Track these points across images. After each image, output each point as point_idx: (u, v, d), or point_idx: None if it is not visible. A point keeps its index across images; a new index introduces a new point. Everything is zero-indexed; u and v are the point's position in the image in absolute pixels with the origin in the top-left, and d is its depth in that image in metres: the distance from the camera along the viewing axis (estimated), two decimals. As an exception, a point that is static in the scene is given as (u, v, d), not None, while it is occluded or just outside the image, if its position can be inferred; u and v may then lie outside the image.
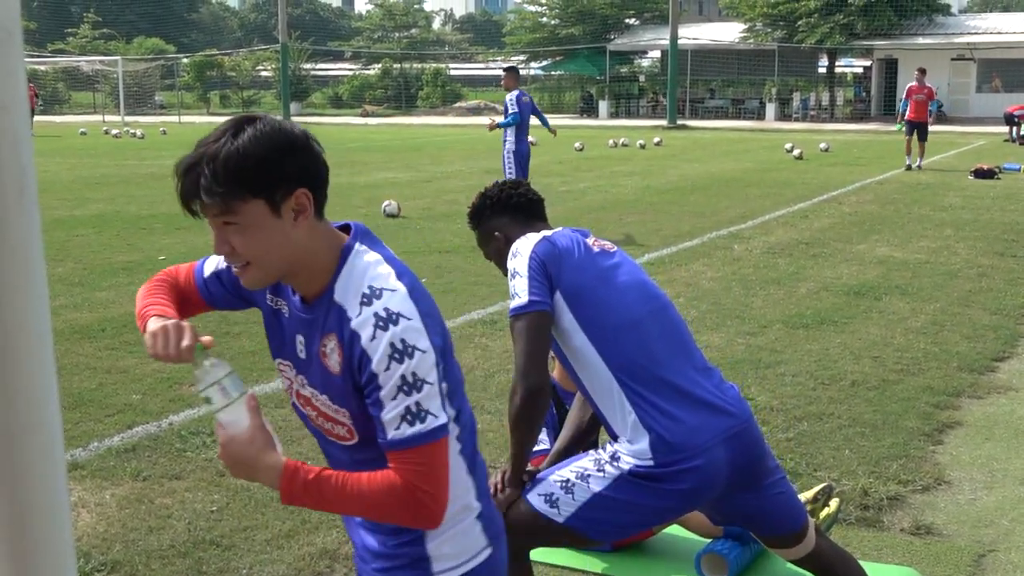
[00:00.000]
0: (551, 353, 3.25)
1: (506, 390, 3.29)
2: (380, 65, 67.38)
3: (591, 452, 3.21)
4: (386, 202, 14.97)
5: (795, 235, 12.73)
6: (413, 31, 75.14)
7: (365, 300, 1.99)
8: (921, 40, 46.49)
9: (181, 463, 5.27)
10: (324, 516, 4.64)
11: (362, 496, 1.99)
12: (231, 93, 66.69)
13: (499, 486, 3.22)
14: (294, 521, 4.58)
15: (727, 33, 51.54)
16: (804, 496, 4.27)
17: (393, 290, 2.00)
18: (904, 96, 22.05)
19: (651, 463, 3.04)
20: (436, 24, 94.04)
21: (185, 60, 64.86)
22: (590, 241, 3.36)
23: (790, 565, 3.58)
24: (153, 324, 2.10)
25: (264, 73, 67.85)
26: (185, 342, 2.06)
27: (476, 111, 55.88)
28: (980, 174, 19.72)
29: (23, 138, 0.61)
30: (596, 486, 3.09)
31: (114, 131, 39.29)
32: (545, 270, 3.19)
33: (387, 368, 1.93)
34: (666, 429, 3.04)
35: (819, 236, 12.63)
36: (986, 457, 5.45)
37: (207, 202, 1.94)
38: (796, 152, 25.03)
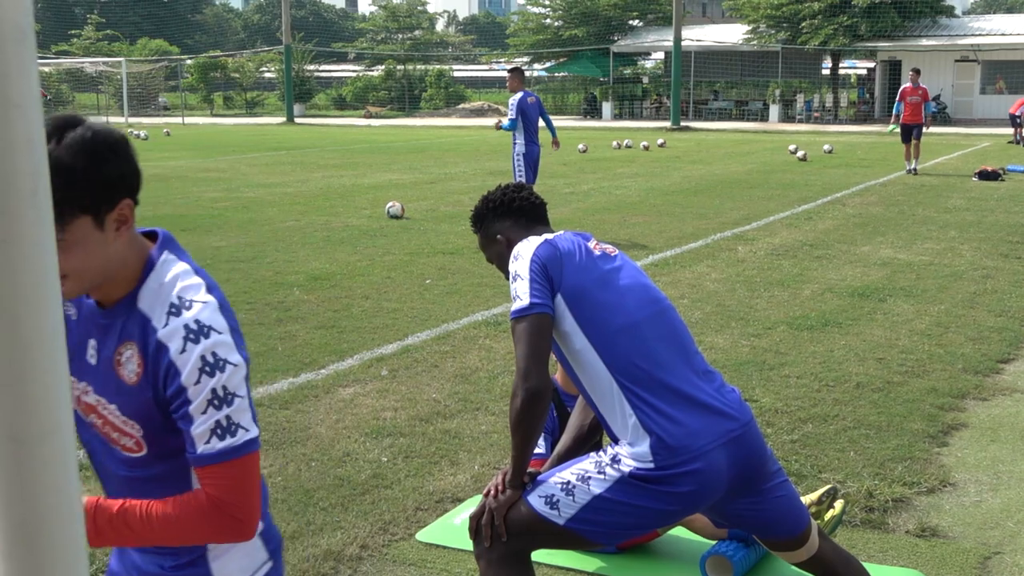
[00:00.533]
0: (552, 356, 3.25)
1: (510, 392, 3.30)
2: (384, 67, 67.41)
3: (592, 454, 3.20)
4: (390, 203, 14.98)
5: (799, 237, 12.72)
6: (417, 33, 75.15)
7: (173, 311, 1.91)
8: (925, 42, 46.46)
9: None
10: (328, 517, 4.64)
11: (170, 520, 1.90)
12: (235, 94, 66.78)
13: (499, 487, 3.22)
14: (299, 522, 4.58)
15: (731, 35, 51.52)
16: (809, 498, 4.26)
17: (204, 303, 1.93)
18: (898, 98, 21.56)
19: (651, 466, 3.03)
20: (439, 26, 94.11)
21: (189, 61, 64.92)
22: (591, 244, 3.37)
23: (795, 567, 3.57)
24: None
25: (268, 74, 67.92)
26: None
27: (480, 112, 55.89)
28: (984, 176, 19.69)
29: (37, 138, 0.61)
30: (596, 488, 3.09)
31: (118, 132, 39.28)
32: (546, 273, 3.20)
33: (197, 381, 1.87)
34: (666, 432, 3.04)
35: (823, 238, 12.62)
36: (991, 459, 5.44)
37: None
38: (800, 154, 25.01)
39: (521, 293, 3.17)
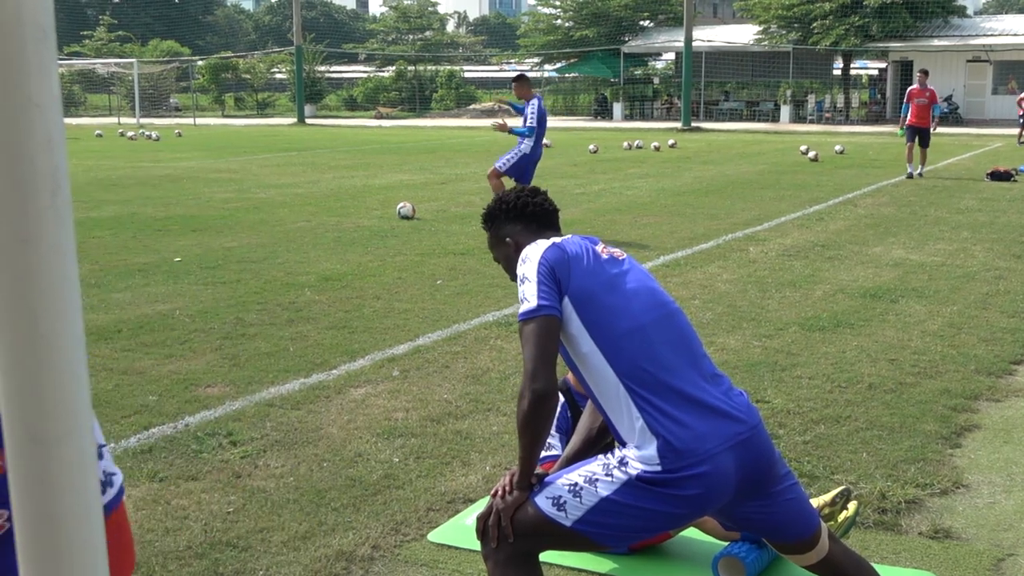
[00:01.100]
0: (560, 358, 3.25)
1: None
2: (394, 67, 67.50)
3: (600, 457, 3.20)
4: (401, 204, 14.99)
5: (811, 237, 12.69)
6: (427, 33, 75.22)
7: None
8: (936, 42, 46.34)
9: (197, 464, 5.28)
10: (340, 518, 4.65)
11: None
12: (246, 95, 66.93)
13: (507, 488, 3.22)
14: (310, 523, 4.59)
15: (741, 35, 51.46)
16: (822, 500, 4.25)
17: None
18: (905, 100, 20.91)
19: (658, 468, 3.03)
20: (450, 26, 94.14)
21: (200, 62, 65.08)
22: (599, 248, 3.37)
23: (805, 571, 3.56)
24: None
25: (279, 75, 68.07)
26: None
27: (490, 113, 55.90)
28: (996, 176, 19.63)
29: (57, 138, 0.61)
30: (604, 490, 3.08)
31: (129, 133, 39.44)
32: (554, 275, 3.20)
33: None
34: (673, 435, 3.03)
35: (835, 238, 12.59)
36: (1005, 460, 5.42)
37: None
38: (811, 154, 24.96)
39: (529, 295, 3.17)
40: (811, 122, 47.00)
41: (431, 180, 20.57)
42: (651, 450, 3.04)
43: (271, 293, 9.41)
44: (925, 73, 21.32)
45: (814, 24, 46.34)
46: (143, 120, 50.61)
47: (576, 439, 3.71)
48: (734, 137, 36.75)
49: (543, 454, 3.78)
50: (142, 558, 4.25)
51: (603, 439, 3.64)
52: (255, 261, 11.13)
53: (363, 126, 48.85)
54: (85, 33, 74.20)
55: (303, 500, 4.83)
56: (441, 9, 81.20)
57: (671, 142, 31.20)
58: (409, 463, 5.31)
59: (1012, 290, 9.49)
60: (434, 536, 4.50)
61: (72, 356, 0.63)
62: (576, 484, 3.13)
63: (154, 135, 37.64)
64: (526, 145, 13.01)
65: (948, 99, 45.25)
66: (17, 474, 0.64)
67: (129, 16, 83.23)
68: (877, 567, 3.61)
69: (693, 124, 43.32)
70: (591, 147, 28.28)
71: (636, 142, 30.82)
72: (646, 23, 58.21)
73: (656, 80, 58.84)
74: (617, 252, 3.42)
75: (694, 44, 45.27)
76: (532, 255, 3.27)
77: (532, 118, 12.92)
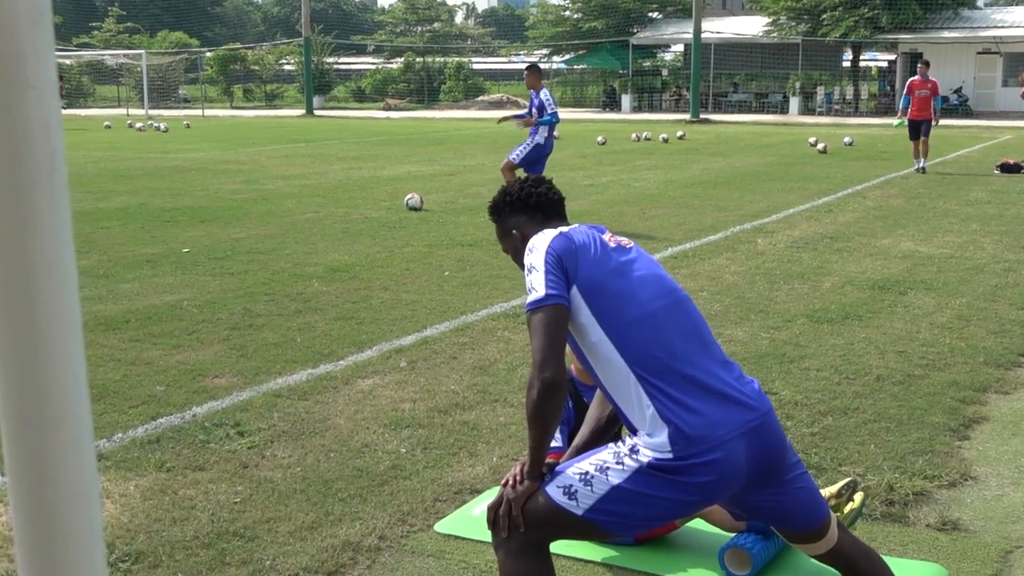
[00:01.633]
0: (568, 349, 3.25)
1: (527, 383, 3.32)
2: (403, 59, 67.46)
3: (610, 445, 3.20)
4: (409, 195, 14.98)
5: (819, 229, 12.66)
6: (436, 25, 75.15)
7: None
8: (946, 34, 46.18)
9: (205, 454, 5.29)
10: (347, 508, 4.65)
11: None
12: (254, 87, 66.97)
13: (517, 478, 3.22)
14: (317, 513, 4.59)
15: (750, 27, 51.32)
16: (828, 491, 4.24)
17: None
18: (905, 91, 20.10)
19: (670, 456, 3.02)
20: (458, 18, 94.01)
21: (209, 54, 65.10)
22: (606, 237, 3.36)
23: (814, 560, 3.56)
24: None
25: (287, 67, 68.06)
26: None
27: (499, 104, 55.84)
28: (1006, 168, 19.56)
29: (53, 120, 0.61)
30: (615, 478, 3.08)
31: (138, 125, 39.48)
32: (561, 264, 3.19)
33: None
34: (684, 422, 3.02)
35: (843, 230, 12.56)
36: (1013, 453, 5.40)
37: None
38: (820, 146, 24.90)
39: (536, 285, 3.17)
40: (820, 114, 46.89)
41: (439, 171, 20.57)
42: (662, 437, 3.04)
43: (279, 284, 9.42)
44: (926, 64, 20.53)
45: (823, 16, 46.21)
46: (152, 111, 50.65)
47: (585, 429, 3.70)
48: (743, 129, 36.67)
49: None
50: (149, 547, 4.26)
51: (612, 429, 3.64)
52: (263, 252, 11.13)
53: (371, 118, 48.84)
54: (94, 24, 74.29)
55: (310, 490, 4.84)
56: (449, 0, 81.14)
57: (680, 134, 31.14)
58: (416, 454, 5.31)
59: (1021, 282, 9.46)
60: (441, 527, 4.50)
61: (68, 339, 0.62)
62: (587, 473, 3.13)
63: (163, 126, 37.67)
64: (540, 136, 13.01)
65: (958, 91, 45.12)
66: (13, 459, 0.63)
67: (138, 7, 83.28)
68: (885, 559, 3.60)
69: (702, 116, 43.24)
70: (599, 139, 28.24)
71: (644, 134, 30.77)
72: (655, 15, 58.09)
73: (665, 72, 58.73)
74: (624, 241, 3.41)
75: (703, 36, 45.17)
76: (539, 245, 3.26)
77: (551, 104, 12.99)
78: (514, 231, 3.49)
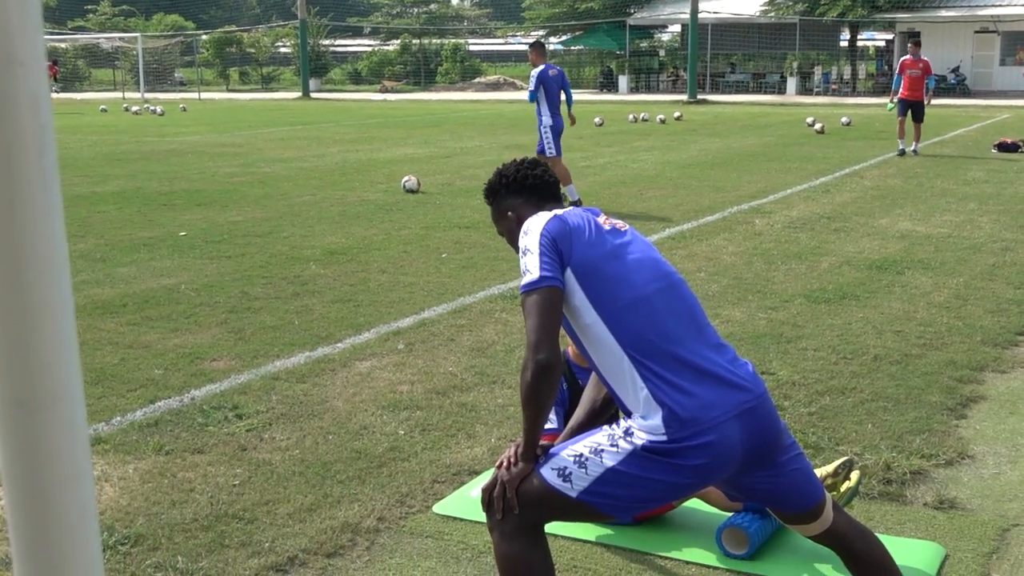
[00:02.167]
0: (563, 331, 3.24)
1: (527, 364, 3.33)
2: (399, 41, 67.23)
3: (605, 427, 3.20)
4: (406, 177, 14.96)
5: (817, 209, 12.65)
6: (432, 6, 74.88)
7: None
8: (944, 13, 46.04)
9: (203, 437, 5.29)
10: (346, 490, 4.66)
11: None
12: (250, 70, 66.75)
13: (511, 460, 3.22)
14: (316, 495, 4.60)
15: (748, 6, 51.13)
16: (825, 470, 4.25)
17: None
18: (897, 71, 19.60)
19: (664, 438, 3.02)
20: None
21: (204, 37, 64.89)
22: (601, 219, 3.36)
23: (810, 540, 3.56)
24: None
25: (283, 49, 67.85)
26: None
27: (495, 86, 55.69)
28: (1004, 147, 19.54)
29: (42, 97, 0.60)
30: (609, 461, 3.08)
31: (134, 108, 39.37)
32: (556, 247, 3.19)
33: None
34: (678, 404, 3.02)
35: (841, 210, 12.55)
36: (1010, 431, 5.42)
37: None
38: (818, 126, 24.86)
39: (531, 267, 3.16)
40: (818, 94, 46.79)
41: (436, 154, 20.53)
42: (656, 420, 3.04)
43: (276, 267, 9.41)
44: (917, 43, 20.12)
45: (821, -5, 46.04)
46: (148, 95, 50.50)
47: (580, 411, 3.70)
48: (740, 109, 36.60)
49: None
50: (148, 530, 4.27)
51: (607, 411, 3.64)
52: (260, 235, 11.12)
53: (368, 100, 48.72)
54: (89, 7, 73.98)
55: (309, 473, 4.85)
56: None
57: (677, 115, 31.08)
58: (414, 436, 5.32)
59: (1018, 262, 9.46)
60: (439, 508, 4.51)
61: (60, 319, 0.62)
62: (581, 455, 3.13)
63: (159, 110, 37.57)
64: (545, 119, 13.16)
65: (955, 70, 45.02)
66: (5, 440, 0.63)
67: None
68: (882, 537, 3.62)
69: (699, 96, 43.14)
70: (597, 120, 28.18)
71: (642, 115, 30.71)
72: (652, -5, 57.87)
73: (662, 52, 58.56)
74: (619, 223, 3.41)
75: (700, 16, 45.03)
76: (533, 227, 3.26)
77: (533, 82, 13.22)
78: (509, 213, 3.49)
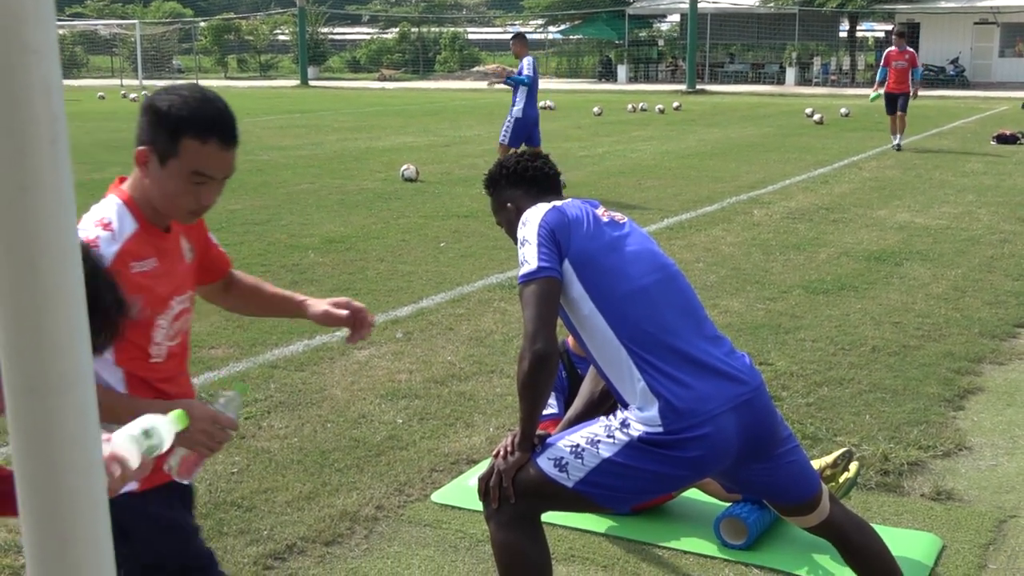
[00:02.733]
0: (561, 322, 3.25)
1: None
2: (398, 29, 67.07)
3: (602, 418, 3.20)
4: (404, 166, 14.94)
5: (815, 200, 12.65)
6: (431, -5, 74.65)
7: None
8: (943, 4, 45.96)
9: (202, 425, 5.29)
10: (344, 478, 4.66)
11: None
12: (249, 57, 66.58)
13: (508, 449, 3.23)
14: (314, 483, 4.61)
15: (747, -3, 51.06)
16: (824, 461, 4.26)
17: None
18: (882, 63, 18.94)
19: (660, 430, 3.03)
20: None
21: (203, 24, 64.72)
22: (599, 212, 3.36)
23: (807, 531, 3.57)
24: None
25: (282, 37, 67.66)
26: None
27: (495, 75, 55.53)
28: (1002, 139, 19.54)
29: (55, 85, 0.60)
30: (605, 452, 3.09)
31: (132, 95, 39.30)
32: (554, 238, 3.19)
33: None
34: (675, 396, 3.03)
35: (839, 201, 12.56)
36: (1007, 423, 5.43)
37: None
38: (816, 117, 24.85)
39: (529, 257, 3.17)
40: (816, 85, 46.71)
41: (435, 142, 20.51)
42: (652, 411, 3.04)
43: (274, 255, 9.41)
44: (902, 34, 19.43)
45: (820, -15, 45.95)
46: (146, 82, 50.35)
47: (578, 403, 3.71)
48: (739, 100, 36.57)
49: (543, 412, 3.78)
50: (147, 518, 4.27)
51: (605, 403, 3.64)
52: (258, 223, 11.11)
53: (366, 88, 48.64)
54: (87, -6, 73.70)
55: (307, 461, 4.85)
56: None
57: (676, 104, 31.04)
58: (413, 424, 5.32)
59: (1017, 253, 9.47)
60: (438, 497, 4.52)
61: (72, 305, 0.62)
62: (578, 445, 3.13)
63: (157, 97, 37.43)
64: (517, 110, 13.11)
65: (955, 61, 44.97)
66: (16, 425, 0.63)
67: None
68: (879, 528, 3.63)
69: (698, 86, 43.08)
70: (595, 109, 28.16)
71: (640, 104, 30.68)
72: (651, -16, 57.74)
73: (661, 42, 58.43)
74: (617, 216, 3.41)
75: (699, 6, 44.93)
76: (532, 218, 3.27)
77: (531, 67, 13.17)
78: (509, 204, 3.49)
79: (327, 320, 3.00)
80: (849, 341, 6.73)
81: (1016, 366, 6.35)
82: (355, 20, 76.36)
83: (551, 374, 3.15)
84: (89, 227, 2.48)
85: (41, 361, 0.61)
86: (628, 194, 13.22)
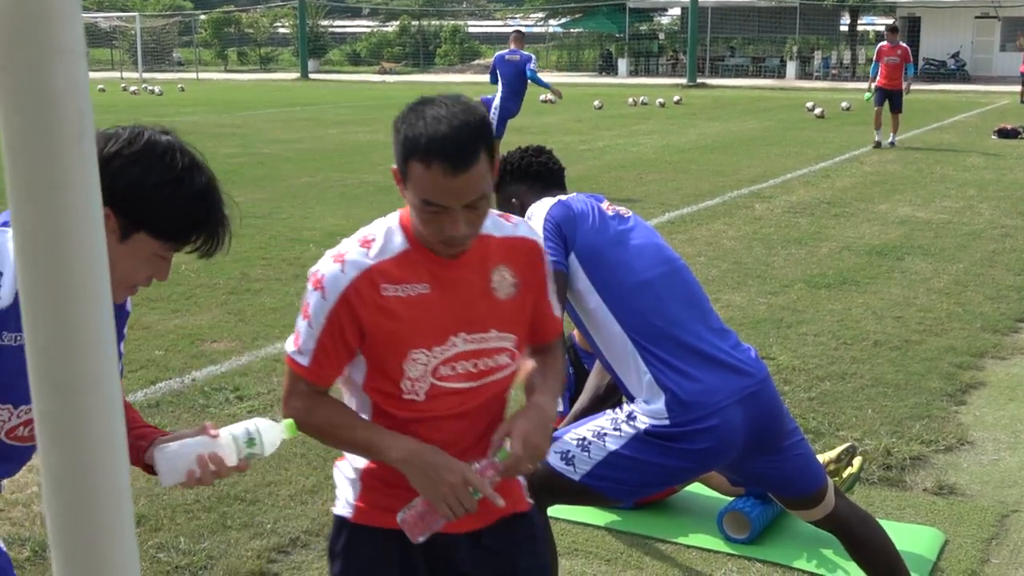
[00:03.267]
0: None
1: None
2: (398, 22, 67.03)
3: (608, 412, 3.21)
4: (405, 160, 14.93)
5: (816, 194, 12.65)
6: (431, -13, 74.59)
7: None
8: (944, -3, 45.93)
9: (204, 419, 5.30)
10: (347, 472, 4.67)
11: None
12: (249, 50, 66.56)
13: (515, 443, 3.22)
14: (317, 477, 4.61)
15: (748, -10, 51.03)
16: (828, 456, 4.27)
17: None
18: (874, 58, 18.59)
19: (667, 422, 3.03)
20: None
21: (203, 17, 64.67)
22: (604, 205, 3.37)
23: (811, 524, 3.58)
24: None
25: (282, 30, 67.62)
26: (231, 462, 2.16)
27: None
28: (1003, 134, 19.52)
29: (81, 82, 0.60)
30: (612, 444, 3.09)
31: (132, 88, 39.27)
32: (560, 232, 3.19)
33: None
34: (681, 388, 3.03)
35: (841, 195, 12.55)
36: (1009, 418, 5.43)
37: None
38: (817, 111, 24.83)
39: None
40: (817, 79, 46.70)
41: (435, 136, 20.47)
42: (659, 404, 3.05)
43: (276, 249, 9.41)
44: (894, 29, 19.12)
45: (821, -21, 45.92)
46: (146, 75, 50.34)
47: (584, 397, 3.71)
48: (740, 93, 36.54)
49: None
50: (150, 511, 4.28)
51: (611, 398, 3.65)
52: (260, 216, 11.11)
53: (367, 81, 48.62)
54: (87, -14, 73.63)
55: (310, 455, 4.85)
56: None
57: (676, 98, 31.02)
58: (415, 418, 5.32)
59: (1018, 248, 9.47)
60: (441, 490, 4.51)
61: (98, 303, 0.62)
62: (584, 439, 3.14)
63: (157, 90, 37.48)
64: (498, 101, 13.68)
65: (955, 56, 44.94)
66: (43, 423, 0.63)
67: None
68: (882, 523, 3.63)
69: (698, 80, 43.05)
70: (596, 103, 28.14)
71: (641, 98, 30.67)
72: (652, -22, 57.70)
73: (661, 35, 58.39)
74: (622, 210, 3.41)
75: (700, -1, 44.89)
76: (537, 212, 3.27)
77: (534, 63, 13.79)
78: (513, 200, 3.49)
79: None
80: (851, 335, 6.74)
81: (1018, 361, 6.36)
82: (355, 13, 76.28)
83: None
84: (348, 241, 2.29)
85: (69, 360, 0.62)
86: (629, 188, 13.22)
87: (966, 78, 43.39)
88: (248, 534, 4.12)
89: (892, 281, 8.22)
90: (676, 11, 56.88)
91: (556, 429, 3.30)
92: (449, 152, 2.03)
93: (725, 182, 13.72)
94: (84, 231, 0.60)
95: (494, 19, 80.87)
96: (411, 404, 2.22)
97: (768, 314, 7.24)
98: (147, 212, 1.99)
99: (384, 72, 57.23)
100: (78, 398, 0.63)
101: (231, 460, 2.13)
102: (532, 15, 61.58)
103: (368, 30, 71.06)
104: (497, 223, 2.30)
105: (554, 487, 3.18)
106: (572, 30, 60.24)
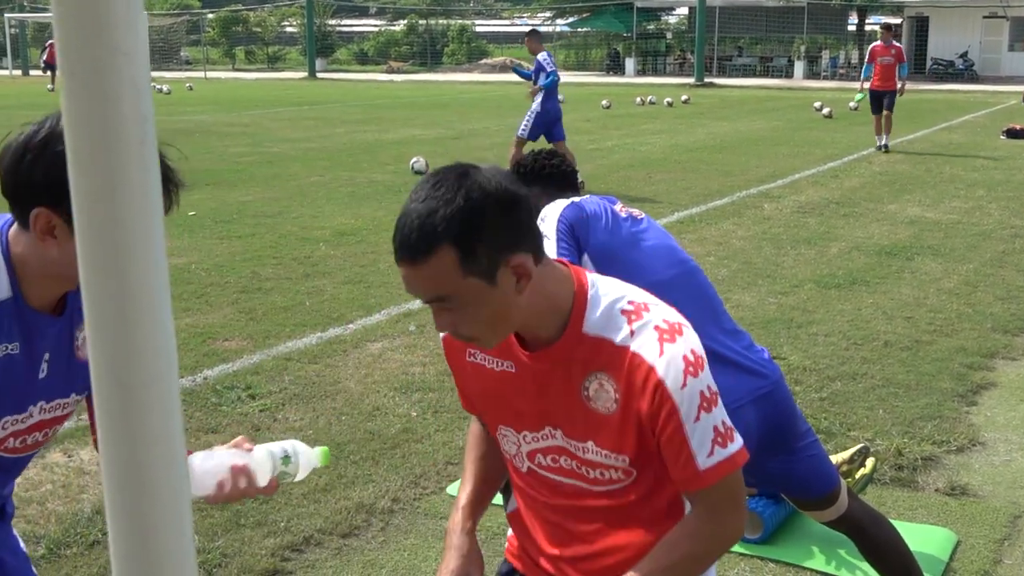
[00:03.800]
0: None
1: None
2: (405, 21, 67.10)
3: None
4: (414, 159, 14.95)
5: (825, 194, 12.65)
6: (439, -13, 74.62)
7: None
8: (953, -3, 45.85)
9: (217, 417, 5.32)
10: (360, 471, 4.68)
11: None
12: (256, 49, 66.63)
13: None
14: (330, 476, 4.62)
15: (756, -10, 50.98)
16: (840, 457, 4.27)
17: None
18: (867, 59, 18.06)
19: (680, 423, 3.04)
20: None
21: (210, 16, 64.77)
22: (617, 207, 3.38)
23: (823, 525, 3.58)
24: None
25: (289, 29, 67.71)
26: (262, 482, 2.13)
27: (502, 68, 55.55)
28: (1012, 134, 19.49)
29: (144, 87, 0.61)
30: (626, 446, 3.10)
31: (140, 87, 39.28)
32: (573, 233, 3.21)
33: None
34: (694, 389, 3.03)
35: (850, 195, 12.55)
36: (1021, 418, 5.43)
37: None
38: (825, 111, 24.81)
39: (548, 252, 3.17)
40: (825, 78, 46.66)
41: (444, 135, 20.51)
42: (672, 405, 3.05)
43: (286, 247, 9.43)
44: (888, 28, 18.64)
45: (829, -21, 45.85)
46: (154, 73, 50.41)
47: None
48: (747, 93, 36.52)
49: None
50: (164, 509, 4.29)
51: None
52: (270, 215, 11.14)
53: (374, 80, 48.66)
54: (95, -15, 73.75)
55: (323, 453, 4.86)
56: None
57: (684, 98, 31.02)
58: (427, 417, 5.34)
59: (1028, 248, 9.46)
60: (453, 489, 4.53)
61: (158, 301, 0.63)
62: (597, 438, 3.14)
63: (165, 88, 37.53)
64: (536, 104, 13.05)
65: (964, 55, 44.88)
66: (104, 419, 0.65)
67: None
68: (894, 523, 3.63)
69: (706, 80, 43.03)
70: (604, 103, 28.14)
71: (649, 97, 30.66)
72: (659, -23, 57.67)
73: (669, 35, 58.36)
74: (636, 212, 3.43)
75: (708, -1, 44.85)
76: (551, 213, 3.28)
77: (549, 65, 13.16)
78: (527, 203, 3.50)
79: None
80: (861, 336, 6.74)
81: (1029, 361, 6.35)
82: (363, 12, 76.33)
83: None
84: None
85: (130, 358, 0.63)
86: (638, 188, 13.22)
87: (974, 78, 43.32)
88: (262, 532, 4.14)
89: (902, 281, 8.21)
90: (684, 10, 56.85)
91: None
92: (397, 239, 1.84)
93: (734, 182, 13.72)
94: (144, 233, 0.61)
95: (502, 18, 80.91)
96: (515, 472, 2.26)
97: (778, 314, 7.24)
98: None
99: (391, 71, 57.27)
100: (139, 394, 0.64)
101: (264, 476, 2.11)
102: (540, 14, 61.59)
103: (375, 29, 71.14)
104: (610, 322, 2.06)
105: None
106: (579, 29, 60.25)
